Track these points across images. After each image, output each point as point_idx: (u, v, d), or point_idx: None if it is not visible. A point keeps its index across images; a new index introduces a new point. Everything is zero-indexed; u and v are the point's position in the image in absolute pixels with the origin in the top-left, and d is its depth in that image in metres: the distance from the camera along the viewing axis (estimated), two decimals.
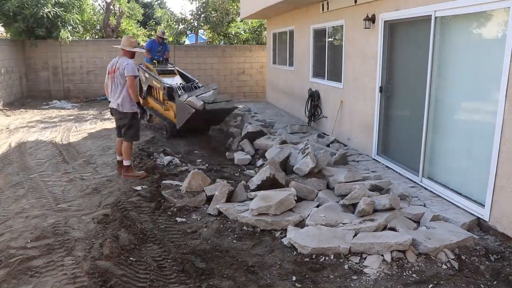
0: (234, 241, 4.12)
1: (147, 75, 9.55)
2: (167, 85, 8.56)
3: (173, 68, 9.82)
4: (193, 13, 19.70)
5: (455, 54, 4.87)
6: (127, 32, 19.76)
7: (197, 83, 9.16)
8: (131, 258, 3.67)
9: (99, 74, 15.93)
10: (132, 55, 5.88)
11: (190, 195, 5.04)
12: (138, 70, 9.79)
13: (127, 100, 5.77)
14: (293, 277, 3.47)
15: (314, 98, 9.23)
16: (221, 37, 20.02)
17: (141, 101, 9.58)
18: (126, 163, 5.94)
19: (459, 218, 4.38)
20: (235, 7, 18.67)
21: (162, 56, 10.14)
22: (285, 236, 4.16)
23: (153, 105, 9.60)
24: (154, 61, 9.87)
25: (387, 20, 6.23)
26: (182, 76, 9.69)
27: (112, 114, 6.14)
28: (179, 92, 8.32)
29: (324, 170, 5.53)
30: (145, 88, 9.78)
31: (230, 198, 4.93)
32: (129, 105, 5.80)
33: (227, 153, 7.31)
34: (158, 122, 9.23)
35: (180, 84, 8.84)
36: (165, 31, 12.19)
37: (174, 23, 20.17)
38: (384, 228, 4.14)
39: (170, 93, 8.50)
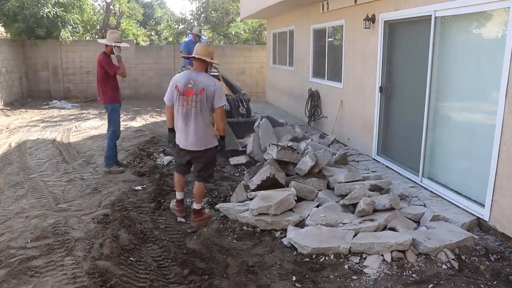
0: (234, 241, 4.12)
1: None
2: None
3: (217, 74, 8.76)
4: (193, 13, 19.72)
5: (455, 54, 4.87)
6: (127, 32, 19.76)
7: (243, 94, 8.17)
8: (131, 258, 3.67)
9: None
10: (206, 67, 4.37)
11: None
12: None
13: (210, 134, 4.37)
14: (293, 277, 3.47)
15: (314, 98, 9.22)
16: (221, 37, 20.03)
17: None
18: (197, 206, 4.56)
19: (459, 218, 4.38)
20: (235, 7, 18.68)
21: None
22: (285, 236, 4.16)
23: None
24: None
25: (387, 20, 6.23)
26: (228, 83, 8.82)
27: (177, 149, 4.59)
28: (227, 106, 7.50)
29: (324, 170, 5.53)
30: None
31: None
32: (211, 140, 4.40)
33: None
34: None
35: (228, 96, 7.85)
36: (202, 29, 11.15)
37: (174, 23, 20.18)
38: (384, 228, 4.14)
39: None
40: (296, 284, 3.38)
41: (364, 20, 6.70)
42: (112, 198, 5.10)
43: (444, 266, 3.58)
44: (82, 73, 15.81)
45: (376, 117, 6.61)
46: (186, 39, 10.35)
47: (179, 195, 4.72)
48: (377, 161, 6.60)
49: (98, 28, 19.87)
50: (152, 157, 6.98)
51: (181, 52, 9.69)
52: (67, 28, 15.12)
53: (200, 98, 4.17)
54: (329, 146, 7.27)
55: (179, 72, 9.72)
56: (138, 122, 10.74)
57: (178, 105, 4.26)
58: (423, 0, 5.24)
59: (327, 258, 3.75)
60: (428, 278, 3.42)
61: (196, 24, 19.46)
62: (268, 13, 12.40)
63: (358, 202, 4.46)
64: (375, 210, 4.36)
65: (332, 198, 4.84)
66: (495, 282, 3.39)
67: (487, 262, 3.67)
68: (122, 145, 7.97)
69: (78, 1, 15.47)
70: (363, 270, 3.57)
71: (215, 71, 9.06)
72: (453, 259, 3.67)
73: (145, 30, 22.70)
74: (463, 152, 4.82)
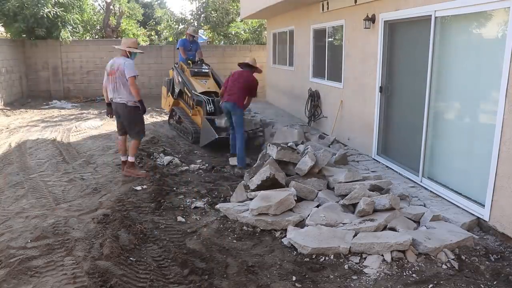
0: (234, 241, 4.12)
1: (180, 79, 9.15)
2: (196, 97, 8.41)
3: (207, 70, 9.45)
4: (193, 13, 19.72)
5: (455, 54, 4.87)
6: (127, 32, 19.80)
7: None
8: (131, 258, 3.67)
9: (99, 74, 15.92)
10: (127, 54, 5.94)
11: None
12: (172, 70, 9.75)
13: (131, 98, 5.88)
14: (293, 277, 3.47)
15: (314, 98, 9.22)
16: (221, 37, 20.02)
17: (169, 101, 9.66)
18: (131, 159, 6.05)
19: (459, 218, 4.38)
20: (235, 7, 18.67)
21: (194, 55, 9.87)
22: (285, 236, 4.16)
23: (183, 107, 9.34)
24: (188, 61, 9.51)
25: (387, 20, 6.23)
26: (216, 80, 9.33)
27: (111, 114, 6.22)
28: (208, 107, 8.12)
29: (324, 170, 5.53)
30: (177, 90, 9.35)
31: None
32: (132, 100, 5.90)
33: (228, 154, 7.31)
34: (186, 125, 8.74)
35: (211, 97, 8.41)
36: (197, 30, 11.67)
37: (174, 23, 20.18)
38: (384, 228, 4.14)
39: (199, 104, 8.42)
40: (296, 284, 3.38)
41: (364, 20, 6.70)
42: (112, 198, 5.10)
43: (444, 266, 3.58)
44: (82, 73, 15.82)
45: (376, 117, 6.61)
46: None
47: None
48: (377, 161, 6.60)
49: (98, 28, 19.87)
50: (152, 157, 6.98)
51: (177, 49, 10.14)
52: (67, 28, 15.12)
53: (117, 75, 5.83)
54: (329, 146, 7.27)
55: (172, 69, 9.87)
56: None
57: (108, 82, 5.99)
58: (423, 0, 5.24)
59: (327, 258, 3.75)
60: (428, 278, 3.42)
61: (196, 24, 19.45)
62: (268, 13, 12.40)
63: (358, 202, 4.46)
64: (375, 210, 4.36)
65: (332, 198, 4.84)
66: (495, 282, 3.39)
67: (487, 262, 3.67)
68: None
69: (78, 1, 15.47)
70: (363, 270, 3.57)
71: (206, 67, 9.49)
72: (453, 259, 3.67)
73: (145, 30, 22.69)
74: (463, 152, 4.82)
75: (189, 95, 8.69)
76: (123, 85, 5.80)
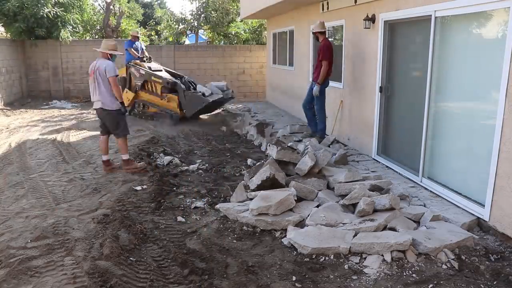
0: (234, 241, 4.12)
1: (142, 72, 10.24)
2: (171, 81, 9.90)
3: (160, 65, 11.17)
4: (193, 13, 19.71)
5: (455, 54, 4.87)
6: (127, 32, 19.80)
7: (188, 77, 10.83)
8: (131, 258, 3.67)
9: None
10: (108, 57, 6.22)
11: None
12: (127, 67, 10.75)
13: (109, 99, 6.08)
14: (293, 277, 3.47)
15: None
16: (221, 37, 20.02)
17: (128, 96, 10.86)
18: (125, 157, 6.29)
19: (459, 218, 4.38)
20: (235, 7, 18.67)
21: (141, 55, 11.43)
22: (285, 236, 4.16)
23: (148, 98, 10.44)
24: (142, 59, 10.99)
25: (387, 20, 6.23)
26: (170, 72, 11.05)
27: (97, 114, 6.42)
28: (183, 87, 9.79)
29: (324, 170, 5.53)
30: (139, 83, 10.35)
31: None
32: (111, 103, 6.10)
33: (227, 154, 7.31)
34: (156, 111, 10.36)
35: (178, 79, 10.25)
36: (138, 30, 13.91)
37: (174, 23, 20.18)
38: (384, 228, 4.14)
39: (173, 87, 9.79)
40: (296, 284, 3.38)
41: (364, 20, 6.70)
42: (112, 198, 5.10)
43: (444, 266, 3.58)
44: (82, 73, 15.80)
45: (376, 117, 6.61)
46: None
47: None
48: (377, 161, 6.60)
49: (98, 28, 19.86)
50: (152, 157, 6.98)
51: (126, 50, 11.56)
52: (67, 28, 15.11)
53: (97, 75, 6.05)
54: (329, 146, 7.27)
55: (126, 67, 11.15)
56: None
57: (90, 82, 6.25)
58: (423, 0, 5.24)
59: (327, 258, 3.75)
60: (428, 278, 3.42)
61: (196, 24, 19.46)
62: (268, 13, 12.40)
63: (358, 202, 4.46)
64: (375, 210, 4.36)
65: (332, 198, 4.84)
66: (495, 282, 3.39)
67: (487, 262, 3.67)
68: None
69: (78, 1, 15.47)
70: (363, 270, 3.57)
71: (158, 64, 11.29)
72: (453, 259, 3.67)
73: (145, 30, 22.68)
74: (463, 152, 4.82)
75: (160, 81, 9.94)
76: (102, 86, 6.04)
